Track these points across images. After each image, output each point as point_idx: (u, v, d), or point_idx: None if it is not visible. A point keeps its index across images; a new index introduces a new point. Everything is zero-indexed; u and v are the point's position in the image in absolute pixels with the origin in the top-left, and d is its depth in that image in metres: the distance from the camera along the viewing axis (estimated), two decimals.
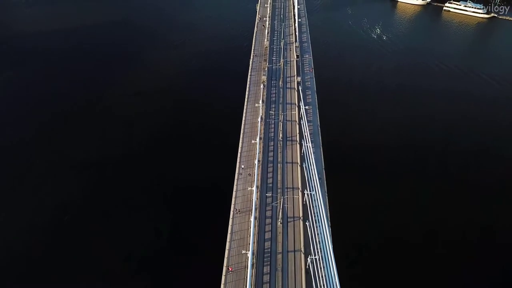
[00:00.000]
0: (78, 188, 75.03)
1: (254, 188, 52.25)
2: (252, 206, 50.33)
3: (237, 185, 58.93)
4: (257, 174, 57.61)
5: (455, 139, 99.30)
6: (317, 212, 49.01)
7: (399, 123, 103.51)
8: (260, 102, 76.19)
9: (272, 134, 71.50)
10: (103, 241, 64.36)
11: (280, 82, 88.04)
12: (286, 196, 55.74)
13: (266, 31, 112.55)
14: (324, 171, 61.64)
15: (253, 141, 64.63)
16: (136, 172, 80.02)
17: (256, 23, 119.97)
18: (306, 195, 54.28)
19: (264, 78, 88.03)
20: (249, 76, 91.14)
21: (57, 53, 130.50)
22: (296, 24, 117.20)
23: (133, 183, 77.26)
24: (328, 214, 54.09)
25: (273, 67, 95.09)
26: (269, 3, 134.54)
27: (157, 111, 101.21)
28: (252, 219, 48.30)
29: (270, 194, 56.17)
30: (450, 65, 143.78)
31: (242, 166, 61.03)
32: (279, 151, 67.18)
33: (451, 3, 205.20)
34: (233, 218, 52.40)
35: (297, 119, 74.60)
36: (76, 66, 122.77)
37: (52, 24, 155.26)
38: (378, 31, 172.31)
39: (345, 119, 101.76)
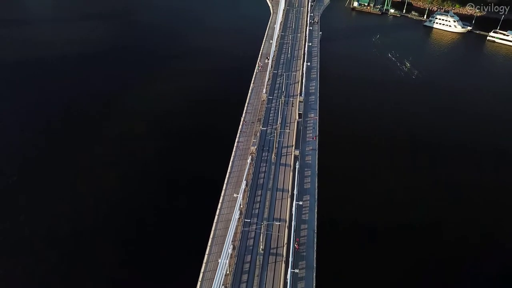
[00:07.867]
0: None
1: None
2: None
3: None
4: None
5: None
6: None
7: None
8: (243, 187, 62.00)
9: (251, 243, 56.73)
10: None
11: (273, 156, 73.71)
12: None
13: (267, 77, 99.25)
14: None
15: (219, 260, 50.14)
16: None
17: (255, 72, 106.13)
18: None
19: (253, 149, 74.11)
20: (235, 144, 77.31)
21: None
22: (304, 69, 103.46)
23: None
24: None
25: (268, 131, 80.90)
26: (274, 39, 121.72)
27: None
28: None
29: None
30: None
31: None
32: (256, 274, 52.19)
33: (496, 32, 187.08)
34: None
35: (287, 219, 59.61)
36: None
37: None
38: (409, 69, 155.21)
39: (353, 224, 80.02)
